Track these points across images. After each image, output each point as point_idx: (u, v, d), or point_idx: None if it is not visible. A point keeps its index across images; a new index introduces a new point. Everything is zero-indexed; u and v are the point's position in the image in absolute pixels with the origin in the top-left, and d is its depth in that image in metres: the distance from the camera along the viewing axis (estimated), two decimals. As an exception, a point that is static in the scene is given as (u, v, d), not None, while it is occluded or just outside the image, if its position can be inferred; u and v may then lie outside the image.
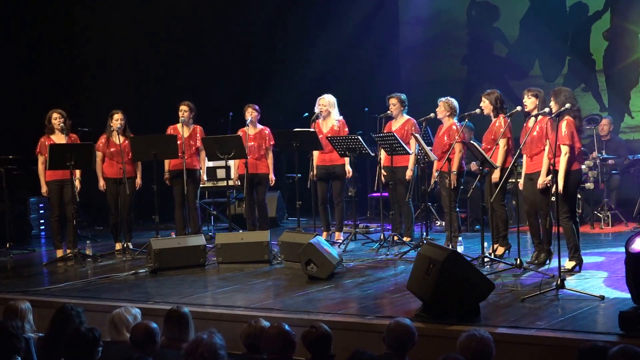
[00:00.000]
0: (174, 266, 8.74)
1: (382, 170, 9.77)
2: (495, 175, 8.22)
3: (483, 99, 8.65)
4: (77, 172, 9.82)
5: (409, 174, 9.63)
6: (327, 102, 10.04)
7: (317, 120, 10.11)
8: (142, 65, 13.47)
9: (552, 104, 7.59)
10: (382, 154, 9.66)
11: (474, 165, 10.37)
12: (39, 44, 13.02)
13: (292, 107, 13.03)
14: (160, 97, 12.81)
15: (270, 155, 10.28)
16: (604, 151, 10.96)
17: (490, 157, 8.14)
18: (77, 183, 9.79)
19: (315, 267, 7.92)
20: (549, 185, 7.65)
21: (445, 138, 9.11)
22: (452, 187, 8.92)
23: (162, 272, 8.64)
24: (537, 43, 13.53)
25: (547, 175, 7.71)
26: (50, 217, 10.22)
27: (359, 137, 9.58)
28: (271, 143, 10.24)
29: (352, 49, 14.41)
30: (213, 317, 6.59)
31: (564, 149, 7.53)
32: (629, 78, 12.85)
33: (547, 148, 7.79)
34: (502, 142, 8.36)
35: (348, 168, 9.99)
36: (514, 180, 9.35)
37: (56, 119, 9.79)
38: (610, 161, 10.95)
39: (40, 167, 9.78)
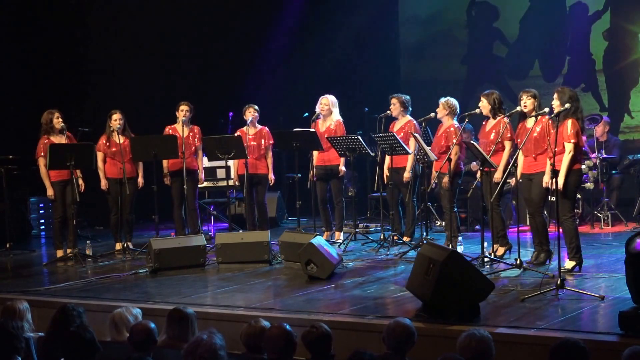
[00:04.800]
0: (174, 266, 8.73)
1: (386, 171, 9.76)
2: (497, 176, 8.22)
3: (482, 98, 8.65)
4: (78, 171, 9.82)
5: (406, 175, 9.60)
6: (329, 102, 10.06)
7: (317, 120, 10.13)
8: (142, 65, 13.46)
9: (555, 103, 7.60)
10: (386, 155, 9.67)
11: (474, 166, 10.37)
12: (39, 44, 13.01)
13: (292, 107, 13.03)
14: (160, 97, 12.81)
15: (270, 154, 10.29)
16: (603, 151, 10.96)
17: (490, 157, 8.15)
18: (81, 182, 9.80)
19: (315, 267, 7.92)
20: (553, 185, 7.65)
21: (443, 138, 9.11)
22: (447, 189, 8.92)
23: (162, 272, 8.64)
24: (537, 43, 13.55)
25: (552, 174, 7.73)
26: (53, 218, 10.22)
27: (359, 137, 9.59)
28: (270, 142, 10.25)
29: (352, 48, 14.41)
30: (213, 317, 6.60)
31: (569, 147, 7.54)
32: (629, 78, 12.86)
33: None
34: (508, 145, 8.38)
35: (342, 167, 10.00)
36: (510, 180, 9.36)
37: (58, 118, 9.78)
38: (609, 159, 10.95)
39: (43, 169, 9.72)
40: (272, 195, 11.80)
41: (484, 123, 8.77)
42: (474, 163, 10.30)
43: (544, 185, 7.78)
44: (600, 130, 11.24)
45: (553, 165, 7.16)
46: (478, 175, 8.70)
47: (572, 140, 7.54)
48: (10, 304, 5.73)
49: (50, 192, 9.80)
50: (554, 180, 7.22)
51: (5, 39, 12.72)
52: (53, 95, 12.23)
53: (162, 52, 13.66)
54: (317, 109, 10.11)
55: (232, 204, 11.73)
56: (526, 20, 13.65)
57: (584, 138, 8.01)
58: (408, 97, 9.90)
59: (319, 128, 10.08)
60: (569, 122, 7.54)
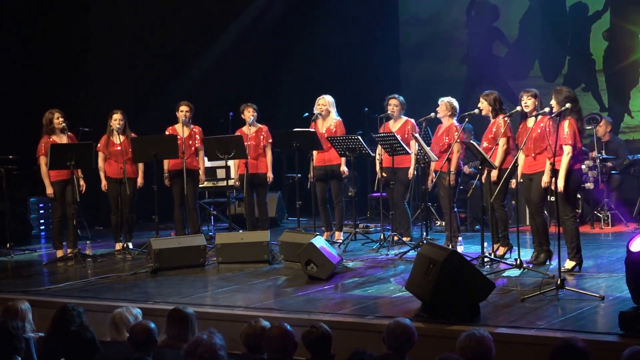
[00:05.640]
0: (174, 266, 8.73)
1: (382, 171, 9.75)
2: (494, 175, 8.23)
3: (481, 99, 8.65)
4: (80, 171, 9.84)
5: (411, 173, 9.62)
6: (327, 102, 10.07)
7: (316, 120, 10.14)
8: (142, 66, 13.47)
9: (553, 103, 7.60)
10: (380, 153, 9.66)
11: (466, 168, 10.38)
12: (39, 44, 13.02)
13: (292, 107, 13.03)
14: (160, 97, 12.81)
15: (269, 153, 10.29)
16: (603, 151, 10.96)
17: (490, 157, 8.15)
18: (82, 182, 9.82)
19: (315, 267, 7.92)
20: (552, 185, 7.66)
21: (445, 138, 9.13)
22: (452, 187, 8.92)
23: (162, 272, 8.64)
24: (537, 43, 13.54)
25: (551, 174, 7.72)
26: (53, 218, 10.22)
27: (359, 137, 9.60)
28: (269, 141, 10.25)
29: (352, 48, 14.41)
30: (213, 317, 6.59)
31: (567, 149, 7.53)
32: (629, 78, 12.86)
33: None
34: (501, 142, 8.37)
35: (344, 168, 10.01)
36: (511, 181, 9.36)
37: (58, 118, 9.80)
38: (609, 163, 10.95)
39: (44, 168, 9.73)
40: (272, 195, 11.80)
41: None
42: (466, 166, 10.31)
43: (543, 185, 7.78)
44: (602, 130, 11.25)
45: (553, 165, 7.15)
46: (490, 175, 8.65)
47: (569, 142, 7.53)
48: (12, 304, 5.73)
49: (49, 190, 9.81)
50: (553, 180, 7.22)
51: (6, 39, 12.72)
52: (53, 95, 12.23)
53: (163, 52, 13.66)
54: (315, 110, 10.12)
55: (232, 204, 11.73)
56: (526, 20, 13.65)
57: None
58: (402, 97, 9.94)
59: (319, 128, 10.09)
60: (566, 123, 7.52)
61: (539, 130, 7.90)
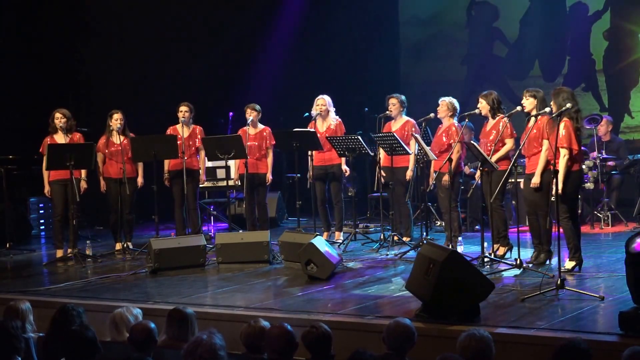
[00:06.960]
0: (174, 266, 8.73)
1: (381, 171, 9.76)
2: (535, 182, 8.19)
3: (480, 100, 8.65)
4: (83, 172, 9.83)
5: (409, 174, 9.64)
6: (326, 102, 10.06)
7: (315, 121, 10.12)
8: (142, 65, 13.46)
9: (552, 103, 7.59)
10: (381, 154, 9.67)
11: (467, 169, 10.38)
12: (39, 44, 13.01)
13: (292, 107, 13.03)
14: (160, 97, 12.81)
15: (271, 155, 10.29)
16: (604, 151, 10.95)
17: (491, 157, 8.15)
18: (83, 183, 9.82)
19: (315, 267, 7.92)
20: (540, 186, 7.68)
21: (444, 138, 9.13)
22: (447, 187, 8.92)
23: (162, 272, 8.64)
24: (537, 43, 13.55)
25: (544, 174, 7.72)
26: (53, 217, 10.22)
27: (359, 137, 9.60)
28: (272, 143, 10.25)
29: (352, 48, 14.42)
30: (213, 317, 6.60)
31: (562, 152, 7.51)
32: (629, 78, 12.87)
33: (544, 148, 7.78)
34: (509, 142, 8.38)
35: (344, 167, 10.01)
36: (513, 180, 9.34)
37: (58, 118, 9.79)
38: (610, 162, 10.95)
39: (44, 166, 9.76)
40: (272, 195, 11.79)
41: (485, 123, 8.77)
42: (466, 167, 10.30)
43: (531, 185, 7.78)
44: (603, 129, 11.24)
45: (554, 165, 7.14)
46: (477, 175, 8.69)
47: (565, 145, 7.49)
48: (13, 304, 5.73)
49: (46, 189, 9.81)
50: (553, 180, 7.21)
51: (6, 39, 12.72)
52: (53, 95, 12.22)
53: (163, 52, 13.66)
54: (314, 110, 10.10)
55: (232, 204, 11.73)
56: (526, 20, 13.66)
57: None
58: (404, 97, 9.93)
59: (318, 128, 10.08)
60: (562, 125, 7.45)
61: (535, 131, 7.90)
